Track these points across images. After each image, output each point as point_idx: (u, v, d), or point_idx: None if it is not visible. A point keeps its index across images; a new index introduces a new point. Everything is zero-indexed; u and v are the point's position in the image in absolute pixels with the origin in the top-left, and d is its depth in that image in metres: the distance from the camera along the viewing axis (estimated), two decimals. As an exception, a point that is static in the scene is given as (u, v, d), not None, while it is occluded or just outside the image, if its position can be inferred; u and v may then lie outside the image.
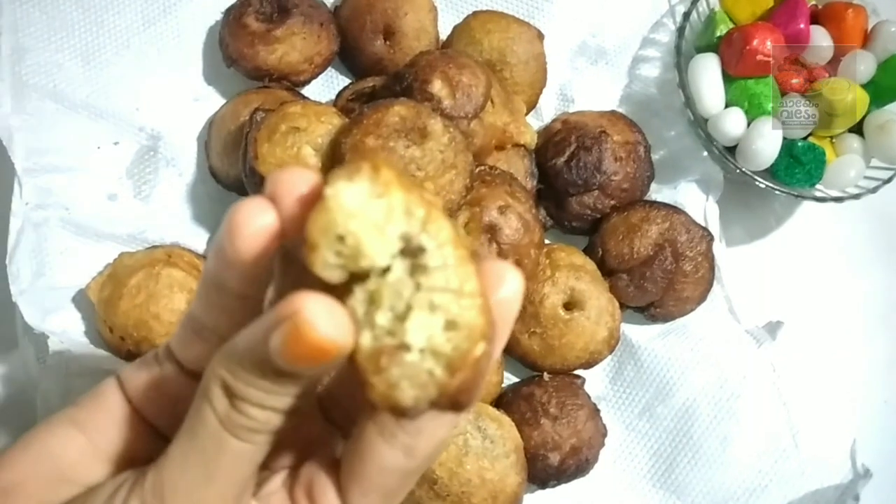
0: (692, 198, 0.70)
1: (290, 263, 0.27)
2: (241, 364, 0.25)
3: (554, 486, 0.62)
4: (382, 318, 0.24)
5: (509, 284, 0.26)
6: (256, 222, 0.25)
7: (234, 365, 0.25)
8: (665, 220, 0.66)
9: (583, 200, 0.68)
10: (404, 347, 0.23)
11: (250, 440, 0.26)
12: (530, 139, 0.67)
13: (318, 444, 0.33)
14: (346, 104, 0.67)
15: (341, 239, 0.23)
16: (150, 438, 0.31)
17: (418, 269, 0.24)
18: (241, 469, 0.26)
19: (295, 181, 0.25)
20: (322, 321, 0.22)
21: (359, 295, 0.24)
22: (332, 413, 0.34)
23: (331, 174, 0.24)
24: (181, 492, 0.26)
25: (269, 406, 0.25)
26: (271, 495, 0.30)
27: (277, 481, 0.30)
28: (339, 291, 0.24)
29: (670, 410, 0.66)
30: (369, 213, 0.23)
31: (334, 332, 0.23)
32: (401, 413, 0.24)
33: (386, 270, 0.24)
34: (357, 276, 0.24)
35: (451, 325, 0.24)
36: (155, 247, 0.64)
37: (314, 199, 0.24)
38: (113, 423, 0.31)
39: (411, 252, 0.24)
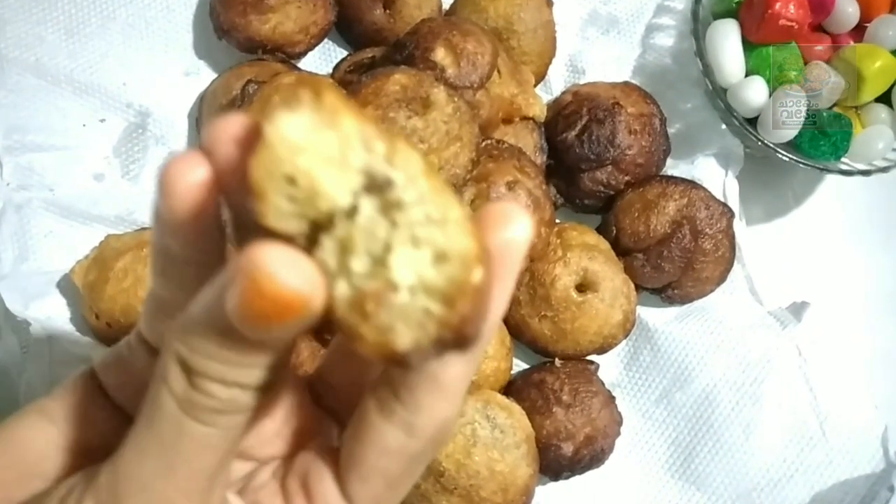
0: (710, 173, 0.67)
1: (246, 233, 0.24)
2: (197, 334, 0.22)
3: (567, 477, 0.59)
4: (359, 263, 0.21)
5: (516, 224, 0.23)
6: (187, 177, 0.22)
7: (190, 336, 0.22)
8: (683, 196, 0.62)
9: (595, 176, 0.64)
10: (391, 287, 0.21)
11: (214, 423, 0.23)
12: (539, 112, 0.64)
13: (313, 433, 0.30)
14: (343, 77, 0.64)
15: (291, 180, 0.20)
16: (126, 429, 0.28)
17: (391, 206, 0.21)
18: (205, 458, 0.23)
19: (231, 124, 0.22)
20: (282, 270, 0.19)
21: (327, 244, 0.21)
22: (326, 400, 0.31)
23: (268, 108, 0.21)
24: (137, 486, 0.23)
25: (232, 381, 0.22)
26: (260, 489, 0.27)
27: (267, 473, 0.28)
28: (305, 248, 0.21)
29: (689, 397, 0.62)
30: (319, 145, 0.20)
31: (298, 281, 0.20)
32: (402, 361, 0.21)
33: (353, 213, 0.21)
34: (321, 226, 0.21)
35: (440, 257, 0.21)
36: (143, 229, 0.61)
37: (254, 140, 0.21)
38: (87, 414, 0.29)
39: (377, 188, 0.21)
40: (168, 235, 0.24)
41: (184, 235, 0.23)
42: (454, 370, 0.24)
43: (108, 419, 0.29)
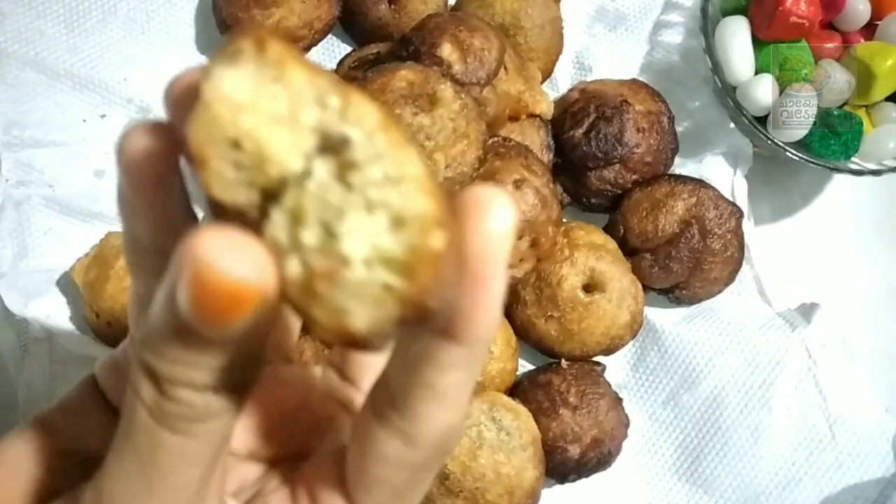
0: (719, 172, 0.66)
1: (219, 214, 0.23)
2: (158, 336, 0.20)
3: (574, 480, 0.58)
4: (310, 235, 0.18)
5: (497, 211, 0.19)
6: (140, 145, 0.20)
7: (152, 339, 0.20)
8: (692, 196, 0.61)
9: (603, 175, 0.64)
10: (343, 263, 0.18)
11: (190, 433, 0.21)
12: (546, 109, 0.63)
13: (324, 429, 0.29)
14: (348, 73, 0.63)
15: (236, 144, 0.18)
16: None
17: (347, 167, 0.19)
18: (186, 471, 0.21)
19: (181, 82, 0.20)
20: (224, 257, 0.17)
21: (277, 217, 0.19)
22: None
23: (208, 63, 0.19)
24: None
25: (202, 385, 0.20)
26: (269, 495, 0.26)
27: (277, 479, 0.27)
28: (258, 224, 0.19)
29: (697, 399, 0.61)
30: (265, 102, 0.18)
31: (242, 268, 0.17)
32: (362, 343, 0.19)
33: (306, 178, 0.19)
34: (272, 195, 0.19)
35: (397, 222, 0.18)
36: (144, 226, 0.60)
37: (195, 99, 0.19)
38: (90, 423, 0.28)
39: (333, 147, 0.19)
40: (131, 217, 0.22)
41: (146, 215, 0.22)
42: (452, 376, 0.21)
43: (109, 427, 0.28)
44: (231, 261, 0.17)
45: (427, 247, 0.18)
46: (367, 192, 0.18)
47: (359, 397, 0.29)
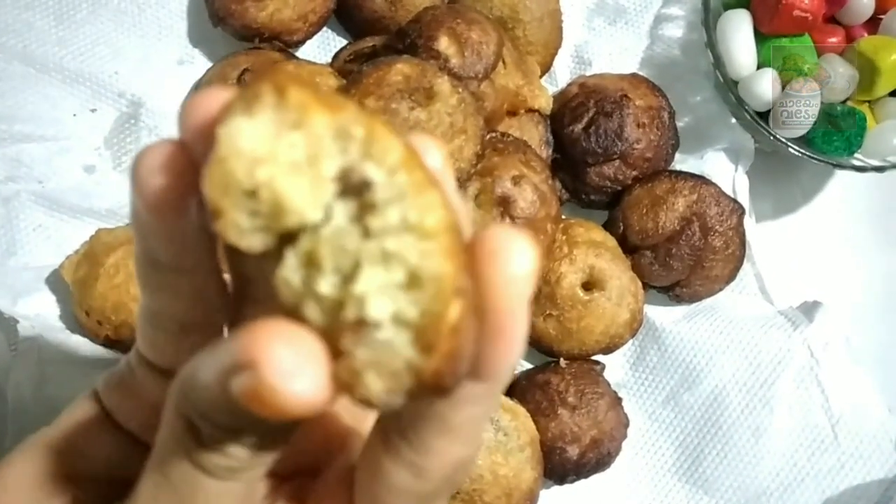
0: (720, 168, 0.65)
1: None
2: (203, 400, 0.19)
3: (573, 481, 0.57)
4: (326, 285, 0.18)
5: (518, 258, 0.19)
6: (154, 166, 0.20)
7: (200, 403, 0.19)
8: (693, 192, 0.61)
9: (602, 171, 0.63)
10: (363, 323, 0.18)
11: (230, 478, 0.21)
12: (545, 104, 0.62)
13: (338, 445, 0.28)
14: (343, 66, 0.62)
15: (252, 194, 0.18)
16: (139, 456, 0.27)
17: (367, 209, 0.18)
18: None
19: (196, 116, 0.19)
20: (289, 381, 0.17)
21: (290, 261, 0.18)
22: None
23: (225, 106, 0.18)
24: None
25: (247, 445, 0.20)
26: None
27: (286, 496, 0.26)
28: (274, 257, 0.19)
29: (697, 399, 0.61)
30: (283, 151, 0.18)
31: (307, 390, 0.17)
32: (370, 406, 0.19)
33: (324, 221, 0.18)
34: (288, 235, 0.18)
35: (413, 281, 0.18)
36: (136, 222, 0.59)
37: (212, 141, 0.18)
38: (91, 443, 0.27)
39: (355, 189, 0.18)
40: (149, 237, 0.21)
41: (166, 235, 0.21)
42: (467, 411, 0.21)
43: (116, 447, 0.27)
44: (295, 381, 0.17)
45: (443, 318, 0.18)
46: (383, 241, 0.18)
47: (371, 418, 0.29)
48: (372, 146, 0.18)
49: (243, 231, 0.18)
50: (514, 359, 0.20)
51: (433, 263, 0.18)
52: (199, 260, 0.22)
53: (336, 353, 0.18)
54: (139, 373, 0.26)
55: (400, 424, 0.21)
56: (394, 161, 0.18)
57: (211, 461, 0.20)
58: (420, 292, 0.18)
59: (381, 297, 0.18)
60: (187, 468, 0.20)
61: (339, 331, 0.18)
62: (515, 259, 0.19)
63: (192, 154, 0.20)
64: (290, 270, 0.18)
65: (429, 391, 0.18)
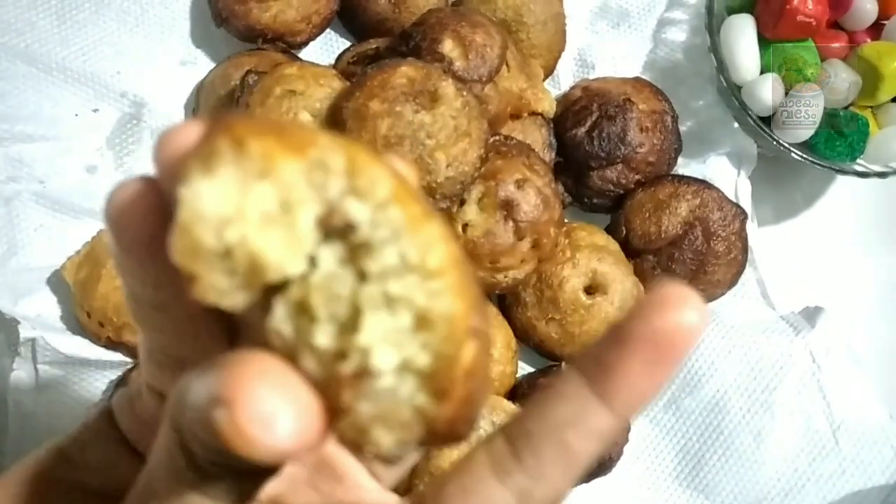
0: (722, 172, 0.65)
1: None
2: (192, 424, 0.18)
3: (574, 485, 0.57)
4: (322, 336, 0.17)
5: (692, 309, 0.19)
6: (126, 204, 0.19)
7: (186, 421, 0.18)
8: (696, 197, 0.61)
9: (605, 175, 0.62)
10: (368, 373, 0.17)
11: (219, 498, 0.20)
12: (549, 107, 0.62)
13: None
14: (346, 68, 0.62)
15: (225, 254, 0.16)
16: None
17: (358, 249, 0.17)
18: None
19: (176, 141, 0.18)
20: (264, 427, 0.16)
21: (279, 312, 0.17)
22: None
23: (185, 165, 0.17)
24: None
25: (239, 469, 0.19)
26: None
27: None
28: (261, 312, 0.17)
29: (699, 403, 0.60)
30: (252, 206, 0.16)
31: (283, 439, 0.16)
32: (384, 461, 0.18)
33: (312, 266, 0.17)
34: (275, 287, 0.17)
35: (422, 323, 0.17)
36: (138, 224, 0.59)
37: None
38: (106, 459, 0.27)
39: (340, 230, 0.17)
40: (125, 274, 0.21)
41: (139, 274, 0.20)
42: (593, 444, 0.20)
43: (129, 465, 0.26)
44: (268, 429, 0.16)
45: (456, 361, 0.16)
46: (384, 285, 0.17)
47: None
48: (356, 179, 0.17)
49: (222, 291, 0.17)
50: (643, 406, 0.21)
51: (443, 303, 0.16)
52: (178, 298, 0.21)
53: (338, 407, 0.17)
54: (146, 396, 0.26)
55: (515, 444, 0.21)
56: (383, 194, 0.17)
57: (203, 483, 0.19)
58: (430, 335, 0.16)
59: (386, 345, 0.17)
60: (174, 486, 0.20)
61: (338, 383, 0.17)
62: (693, 310, 0.19)
63: (166, 192, 0.19)
64: (280, 322, 0.17)
65: (443, 440, 0.17)
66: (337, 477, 0.24)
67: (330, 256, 0.17)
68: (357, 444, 0.17)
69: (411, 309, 0.17)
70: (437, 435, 0.17)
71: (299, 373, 0.17)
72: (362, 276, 0.17)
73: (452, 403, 0.17)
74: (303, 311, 0.17)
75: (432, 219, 0.17)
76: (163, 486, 0.20)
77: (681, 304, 0.19)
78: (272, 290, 0.17)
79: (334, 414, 0.17)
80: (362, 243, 0.17)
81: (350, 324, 0.17)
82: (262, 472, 0.20)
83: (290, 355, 0.17)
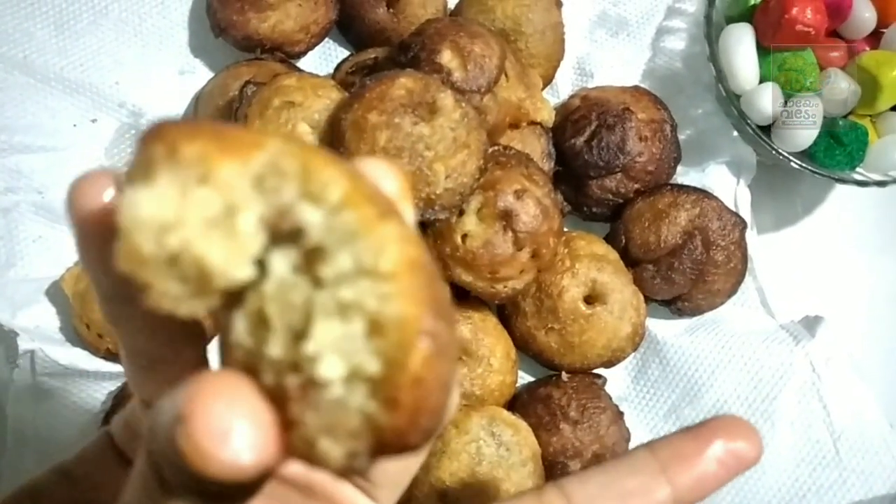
0: (722, 181, 0.65)
1: None
2: (161, 446, 0.18)
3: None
4: (274, 346, 0.16)
5: (749, 439, 0.24)
6: (88, 197, 0.19)
7: (156, 443, 0.18)
8: (695, 206, 0.60)
9: (604, 184, 0.62)
10: (315, 383, 0.16)
11: None
12: (547, 116, 0.62)
13: None
14: (345, 78, 0.62)
15: (172, 260, 0.16)
16: None
17: (312, 254, 0.16)
18: None
19: (91, 195, 0.19)
20: (219, 443, 0.16)
21: (239, 324, 0.17)
22: None
23: (124, 175, 0.17)
24: None
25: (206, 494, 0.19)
26: None
27: None
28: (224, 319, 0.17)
29: (699, 413, 0.60)
30: (193, 211, 0.16)
31: (238, 456, 0.16)
32: (337, 472, 0.17)
33: (263, 276, 0.17)
34: (234, 296, 0.17)
35: (374, 328, 0.16)
36: (136, 234, 0.59)
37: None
38: (109, 478, 0.27)
39: (291, 234, 0.16)
40: (89, 269, 0.21)
41: (102, 268, 0.20)
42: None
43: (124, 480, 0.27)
44: (222, 445, 0.16)
45: (407, 365, 0.16)
46: (337, 291, 0.16)
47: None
48: (309, 182, 0.16)
49: (177, 298, 0.17)
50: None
51: (393, 307, 0.16)
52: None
53: (288, 424, 0.17)
54: (138, 410, 0.26)
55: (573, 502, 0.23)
56: (336, 197, 0.16)
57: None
58: (382, 341, 0.16)
59: (334, 353, 0.16)
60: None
61: (289, 400, 0.17)
62: (750, 440, 0.24)
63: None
64: (239, 334, 0.17)
65: (394, 450, 0.17)
66: (330, 502, 0.24)
67: (282, 263, 0.17)
68: (308, 457, 0.17)
69: (363, 315, 0.16)
70: (388, 445, 0.17)
71: (258, 386, 0.17)
72: (317, 283, 0.16)
73: (402, 411, 0.16)
74: (261, 322, 0.17)
75: (389, 220, 0.17)
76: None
77: (736, 434, 0.23)
78: (234, 301, 0.17)
79: (289, 428, 0.17)
80: (316, 248, 0.16)
81: (303, 333, 0.16)
82: (234, 495, 0.19)
83: (252, 368, 0.17)
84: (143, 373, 0.23)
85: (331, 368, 0.16)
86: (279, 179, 0.17)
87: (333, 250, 0.16)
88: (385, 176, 0.20)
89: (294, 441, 0.17)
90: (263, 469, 0.17)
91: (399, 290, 0.16)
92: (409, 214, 0.21)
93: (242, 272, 0.17)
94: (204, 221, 0.16)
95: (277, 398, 0.17)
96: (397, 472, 0.25)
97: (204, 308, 0.17)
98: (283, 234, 0.17)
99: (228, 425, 0.16)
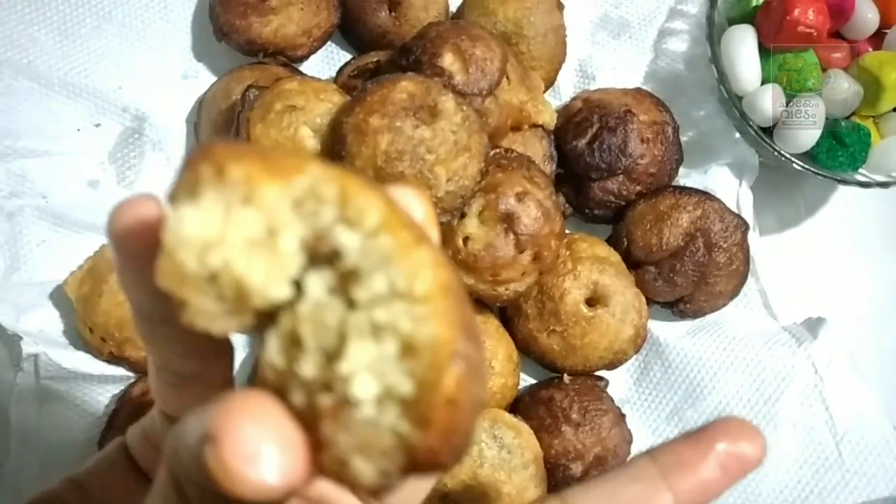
0: (724, 183, 0.65)
1: None
2: (186, 465, 0.18)
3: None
4: (307, 366, 0.17)
5: (751, 442, 0.24)
6: (128, 219, 0.19)
7: (181, 462, 0.18)
8: (697, 208, 0.60)
9: (606, 186, 0.62)
10: (348, 403, 0.17)
11: None
12: (549, 119, 0.62)
13: None
14: (347, 81, 0.62)
15: (212, 279, 0.17)
16: None
17: (347, 277, 0.17)
18: None
19: (134, 213, 0.19)
20: (248, 465, 0.16)
21: (272, 344, 0.17)
22: None
23: (169, 193, 0.17)
24: None
25: None
26: None
27: None
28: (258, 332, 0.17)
29: (701, 415, 0.60)
30: (236, 231, 0.17)
31: (266, 478, 0.16)
32: (369, 492, 0.18)
33: (299, 296, 0.17)
34: (268, 315, 0.17)
35: (407, 350, 0.17)
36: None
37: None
38: (123, 491, 0.27)
39: (328, 257, 0.17)
40: (130, 289, 0.21)
41: (144, 288, 0.21)
42: None
43: (144, 495, 0.27)
44: (251, 467, 0.16)
45: (439, 386, 0.16)
46: (371, 312, 0.17)
47: None
48: (347, 207, 0.17)
49: (213, 316, 0.17)
50: None
51: (427, 329, 0.16)
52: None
53: (321, 440, 0.17)
54: (158, 423, 0.26)
55: None
56: (373, 222, 0.17)
57: None
58: (414, 362, 0.16)
59: (367, 373, 0.17)
60: None
61: (322, 419, 0.17)
62: (752, 443, 0.24)
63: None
64: (271, 354, 0.17)
65: (426, 468, 0.17)
66: None
67: (318, 284, 0.17)
68: (340, 477, 0.17)
69: (397, 336, 0.17)
70: (420, 464, 0.17)
71: (287, 407, 0.17)
72: (351, 305, 0.17)
73: (435, 431, 0.17)
74: (294, 343, 0.17)
75: (423, 245, 0.17)
76: None
77: (739, 436, 0.23)
78: (267, 321, 0.17)
79: (319, 447, 0.17)
80: (352, 271, 0.17)
81: (336, 353, 0.17)
82: None
83: (282, 388, 0.17)
84: (170, 388, 0.24)
85: (364, 388, 0.17)
86: (319, 203, 0.17)
87: (369, 273, 0.17)
88: (413, 202, 0.21)
89: (325, 461, 0.17)
90: (290, 489, 0.17)
91: (432, 313, 0.17)
92: (436, 238, 0.21)
93: (280, 292, 0.17)
94: (246, 241, 0.17)
95: (308, 418, 0.17)
96: (410, 494, 0.26)
97: (238, 328, 0.17)
98: (319, 256, 0.17)
99: (258, 447, 0.16)
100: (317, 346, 0.17)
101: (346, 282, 0.17)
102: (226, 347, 0.23)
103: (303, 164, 0.17)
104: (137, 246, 0.19)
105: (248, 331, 0.18)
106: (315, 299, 0.17)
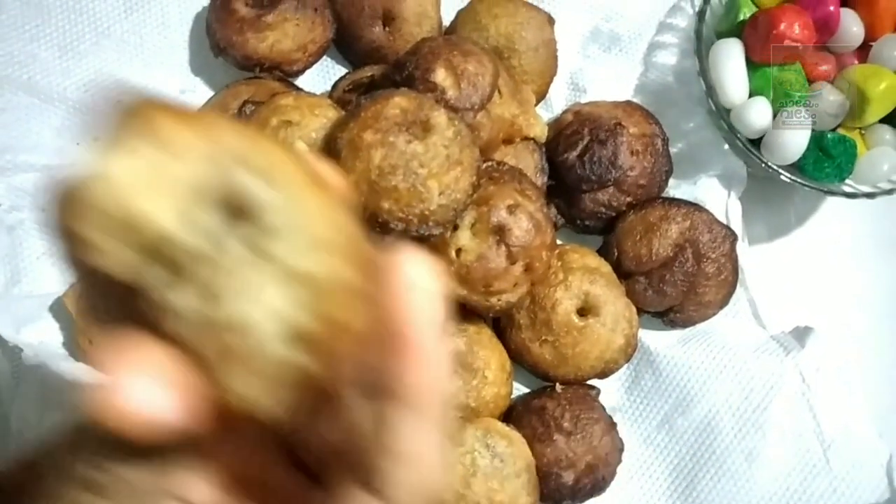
0: (713, 194, 0.66)
1: None
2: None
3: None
4: (207, 308, 0.18)
5: (417, 270, 0.20)
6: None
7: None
8: (686, 219, 0.61)
9: (597, 198, 0.64)
10: (245, 336, 0.18)
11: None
12: (540, 132, 0.63)
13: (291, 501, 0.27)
14: (342, 95, 0.63)
15: (124, 222, 0.17)
16: None
17: (262, 233, 0.18)
18: None
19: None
20: (125, 392, 0.17)
21: (172, 288, 0.18)
22: (303, 459, 0.28)
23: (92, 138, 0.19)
24: None
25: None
26: None
27: None
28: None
29: (691, 423, 0.61)
30: (149, 177, 0.18)
31: (153, 404, 0.17)
32: (262, 415, 0.19)
33: (218, 248, 0.18)
34: (170, 259, 0.18)
35: (304, 285, 0.18)
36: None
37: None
38: None
39: (235, 206, 0.18)
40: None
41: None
42: (412, 440, 0.20)
43: None
44: (129, 394, 0.17)
45: (340, 319, 0.18)
46: (271, 252, 0.18)
47: None
48: (254, 158, 0.18)
49: (107, 253, 0.18)
50: (433, 381, 0.20)
51: (325, 265, 0.18)
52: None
53: (219, 376, 0.18)
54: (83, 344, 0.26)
55: (362, 461, 0.21)
56: (277, 170, 0.18)
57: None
58: (310, 296, 0.18)
59: (270, 305, 0.18)
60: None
61: (222, 353, 0.18)
62: (417, 272, 0.20)
63: None
64: (174, 298, 0.18)
65: (315, 393, 0.18)
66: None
67: (235, 237, 0.18)
68: (238, 406, 0.18)
69: (293, 273, 0.18)
70: (310, 389, 0.18)
71: (178, 347, 0.18)
72: (254, 249, 0.18)
73: (336, 358, 0.18)
74: (205, 294, 0.18)
75: (320, 191, 0.18)
76: None
77: (402, 271, 0.20)
78: (171, 267, 0.18)
79: (216, 382, 0.18)
80: (254, 216, 0.18)
81: (236, 293, 0.18)
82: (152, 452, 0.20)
83: (182, 331, 0.18)
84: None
85: (260, 319, 0.18)
86: (229, 156, 0.18)
87: (270, 218, 0.18)
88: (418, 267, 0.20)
89: (232, 398, 0.18)
90: (169, 424, 0.18)
91: (331, 250, 0.18)
92: (342, 188, 0.22)
93: (167, 218, 0.18)
94: (158, 188, 0.18)
95: (208, 360, 0.18)
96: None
97: (142, 271, 0.18)
98: (227, 204, 0.18)
99: (134, 382, 0.17)
100: (217, 288, 0.18)
101: (261, 237, 0.18)
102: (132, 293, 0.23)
103: (216, 119, 0.19)
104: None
105: (150, 273, 0.18)
106: (232, 250, 0.18)
